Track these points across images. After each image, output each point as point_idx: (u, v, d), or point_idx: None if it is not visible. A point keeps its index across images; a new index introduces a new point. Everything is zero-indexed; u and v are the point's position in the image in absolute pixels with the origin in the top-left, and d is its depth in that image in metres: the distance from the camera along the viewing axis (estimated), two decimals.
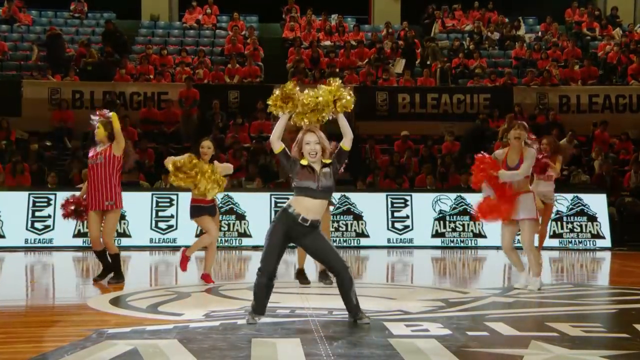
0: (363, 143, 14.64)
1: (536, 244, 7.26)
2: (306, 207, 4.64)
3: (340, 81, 4.79)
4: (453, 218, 11.85)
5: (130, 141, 13.68)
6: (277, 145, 4.71)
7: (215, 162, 6.87)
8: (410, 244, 11.63)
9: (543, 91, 15.76)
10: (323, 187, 4.65)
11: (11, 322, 5.04)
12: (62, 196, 7.46)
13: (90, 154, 6.93)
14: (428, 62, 16.87)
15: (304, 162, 4.67)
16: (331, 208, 6.97)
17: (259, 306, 4.64)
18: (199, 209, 6.80)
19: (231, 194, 11.57)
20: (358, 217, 11.76)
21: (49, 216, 11.16)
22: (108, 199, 6.74)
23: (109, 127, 6.78)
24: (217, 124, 14.33)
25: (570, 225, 11.85)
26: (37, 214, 11.26)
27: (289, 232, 4.64)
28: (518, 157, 6.29)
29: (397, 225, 11.76)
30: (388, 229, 11.74)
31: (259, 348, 3.86)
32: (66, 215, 7.20)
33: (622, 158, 14.28)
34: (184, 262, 6.83)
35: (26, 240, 11.15)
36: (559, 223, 11.84)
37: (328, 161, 4.73)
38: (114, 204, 6.77)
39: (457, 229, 11.81)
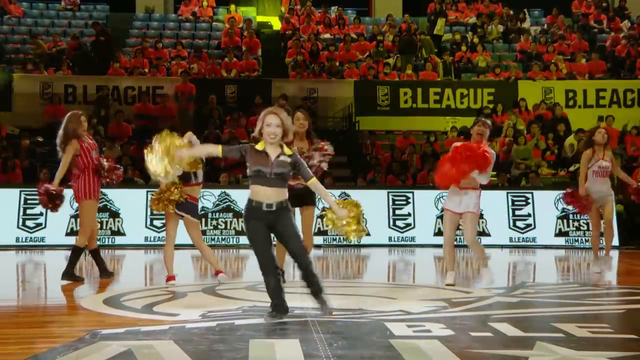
0: (363, 139, 14.40)
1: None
2: (263, 195, 4.65)
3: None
4: None
5: (124, 137, 13.71)
6: (215, 150, 4.74)
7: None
8: (412, 243, 11.49)
9: (549, 85, 15.51)
10: (276, 173, 4.61)
11: (2, 323, 4.98)
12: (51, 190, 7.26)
13: (83, 144, 6.91)
14: (420, 55, 16.61)
15: (259, 147, 4.65)
16: (317, 211, 6.89)
17: (279, 304, 4.69)
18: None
19: (228, 191, 11.47)
20: None
21: (41, 214, 11.04)
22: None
23: None
24: (214, 119, 14.08)
25: (576, 223, 11.65)
26: (28, 211, 11.12)
27: (266, 223, 4.68)
28: None
29: (399, 223, 11.58)
30: (389, 227, 11.56)
31: (257, 349, 3.82)
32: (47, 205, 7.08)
33: (630, 154, 14.00)
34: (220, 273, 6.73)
35: (17, 239, 11.00)
36: (564, 221, 11.66)
37: (289, 152, 4.70)
38: None
39: (460, 227, 11.48)
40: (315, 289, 4.82)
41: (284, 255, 6.58)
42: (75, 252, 6.91)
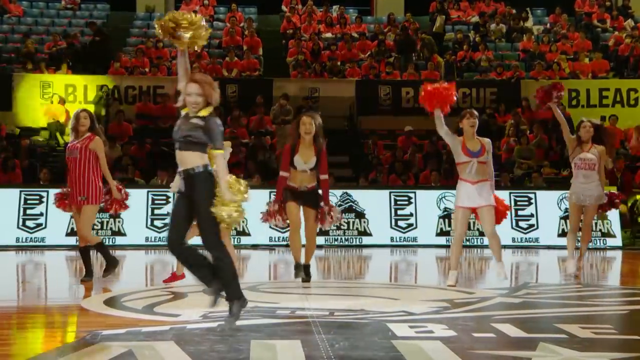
0: (365, 139, 14.31)
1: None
2: (179, 161, 4.45)
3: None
4: None
5: (125, 136, 13.63)
6: (182, 77, 4.59)
7: None
8: (414, 243, 11.40)
9: None
10: (183, 135, 4.37)
11: (2, 324, 4.97)
12: (54, 193, 7.21)
13: (68, 145, 6.79)
14: (423, 55, 16.52)
15: (184, 110, 4.46)
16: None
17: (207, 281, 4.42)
18: None
19: None
20: (360, 215, 11.52)
21: (41, 214, 10.99)
22: (81, 194, 6.58)
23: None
24: None
25: (579, 224, 11.49)
26: (28, 211, 11.06)
27: (185, 194, 4.43)
28: (479, 145, 6.39)
29: (401, 223, 11.50)
30: (391, 227, 11.47)
31: (258, 350, 3.80)
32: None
33: (633, 154, 13.91)
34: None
35: (17, 239, 10.93)
36: (567, 221, 11.52)
37: (205, 114, 4.40)
38: (87, 200, 6.60)
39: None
40: (218, 285, 4.41)
41: (299, 247, 6.53)
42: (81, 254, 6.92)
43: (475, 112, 6.59)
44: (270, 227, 11.27)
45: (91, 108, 13.68)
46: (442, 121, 6.29)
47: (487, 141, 6.47)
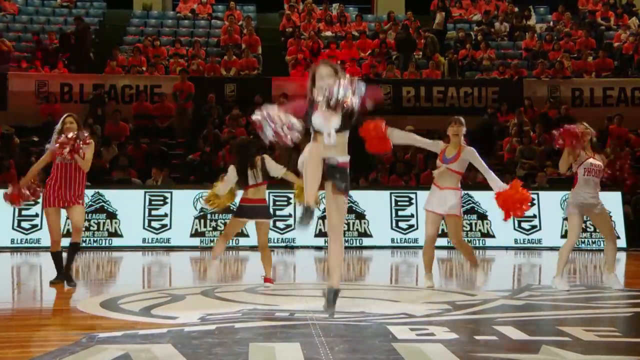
0: None
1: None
2: None
3: None
4: None
5: (122, 136, 13.48)
6: None
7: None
8: (416, 244, 11.28)
9: (555, 84, 15.30)
10: None
11: None
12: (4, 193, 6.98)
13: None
14: (425, 53, 16.39)
15: None
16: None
17: None
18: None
19: None
20: (361, 216, 11.40)
21: (36, 215, 10.92)
22: (76, 196, 6.57)
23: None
24: (213, 119, 13.86)
25: (583, 225, 11.33)
26: (23, 212, 11.01)
27: None
28: (455, 151, 6.48)
29: (402, 224, 11.40)
30: (392, 228, 11.38)
31: (257, 353, 3.77)
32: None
33: (638, 155, 13.78)
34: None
35: (12, 240, 10.87)
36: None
37: None
38: (82, 201, 6.66)
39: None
40: None
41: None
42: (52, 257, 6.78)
43: (461, 119, 6.65)
44: (270, 227, 11.14)
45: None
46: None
47: (466, 149, 6.48)
